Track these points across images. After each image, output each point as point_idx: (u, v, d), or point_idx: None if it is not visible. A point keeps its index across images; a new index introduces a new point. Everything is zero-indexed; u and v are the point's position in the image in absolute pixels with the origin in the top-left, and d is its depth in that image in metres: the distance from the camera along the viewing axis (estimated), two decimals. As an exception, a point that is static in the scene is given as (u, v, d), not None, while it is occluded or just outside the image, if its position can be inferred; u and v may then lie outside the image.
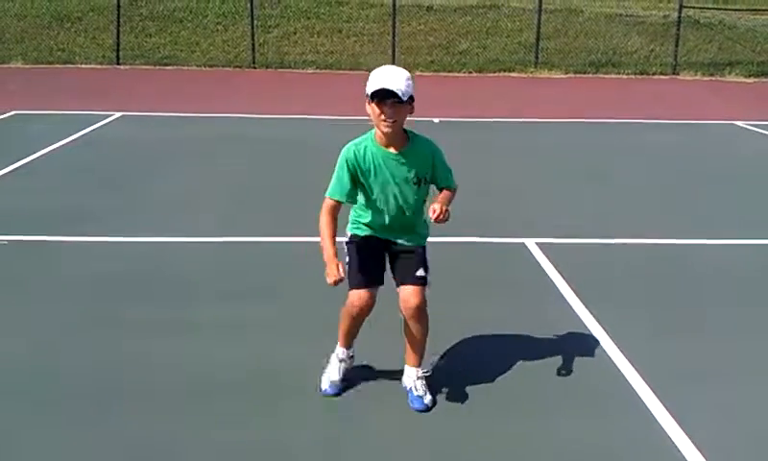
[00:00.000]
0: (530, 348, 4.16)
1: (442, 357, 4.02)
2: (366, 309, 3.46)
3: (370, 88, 3.29)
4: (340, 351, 3.67)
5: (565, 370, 3.93)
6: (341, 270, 3.26)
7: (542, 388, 3.78)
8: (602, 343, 4.23)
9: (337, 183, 3.42)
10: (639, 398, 3.68)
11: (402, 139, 3.43)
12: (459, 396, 3.67)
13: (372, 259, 3.50)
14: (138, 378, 3.78)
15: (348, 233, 3.60)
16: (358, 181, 3.43)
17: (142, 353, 4.02)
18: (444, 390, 3.71)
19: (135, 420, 3.42)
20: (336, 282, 3.25)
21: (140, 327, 4.34)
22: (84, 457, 3.17)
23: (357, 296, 3.44)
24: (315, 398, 3.63)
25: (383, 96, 3.24)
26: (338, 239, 3.43)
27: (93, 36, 18.40)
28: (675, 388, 3.75)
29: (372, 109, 3.32)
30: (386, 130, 3.32)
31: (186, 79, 15.92)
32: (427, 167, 3.48)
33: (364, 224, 3.54)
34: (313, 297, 4.73)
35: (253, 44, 17.93)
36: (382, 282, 3.53)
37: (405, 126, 3.45)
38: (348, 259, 3.49)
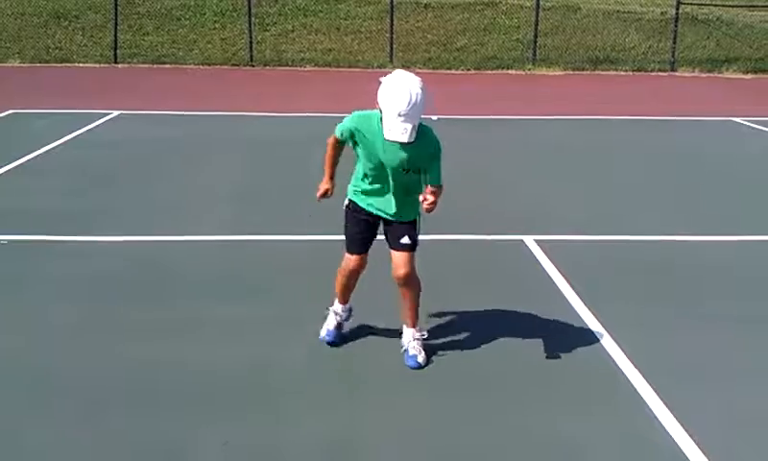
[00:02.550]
0: (529, 345, 4.16)
1: (440, 353, 4.02)
2: (358, 270, 3.94)
3: (384, 112, 3.43)
4: (337, 307, 4.10)
5: (564, 366, 3.94)
6: (329, 193, 3.96)
7: (541, 385, 3.78)
8: (601, 339, 4.24)
9: (341, 128, 3.78)
10: (638, 393, 3.68)
11: None
12: (457, 392, 3.68)
13: (365, 229, 3.87)
14: (138, 378, 3.78)
15: (347, 199, 3.93)
16: (356, 145, 3.75)
17: (141, 353, 4.02)
18: (443, 386, 3.72)
19: (136, 419, 3.42)
20: (320, 197, 3.95)
21: (139, 326, 4.34)
22: (85, 457, 3.17)
23: (351, 260, 3.91)
24: (315, 397, 3.63)
25: None
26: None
27: (91, 35, 18.37)
28: (674, 384, 3.76)
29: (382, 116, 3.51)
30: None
31: (184, 77, 15.90)
32: (423, 161, 3.66)
33: (361, 192, 3.86)
34: (313, 295, 4.74)
35: (251, 42, 17.91)
36: (371, 243, 3.93)
37: None
38: (345, 224, 3.92)
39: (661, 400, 3.61)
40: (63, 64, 17.00)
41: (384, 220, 3.86)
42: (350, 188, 3.93)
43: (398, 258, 3.79)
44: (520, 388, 3.75)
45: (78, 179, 7.59)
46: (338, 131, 3.81)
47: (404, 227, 3.82)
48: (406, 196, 3.77)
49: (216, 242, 5.83)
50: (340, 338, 4.10)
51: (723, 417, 3.52)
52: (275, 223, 6.30)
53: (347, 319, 4.15)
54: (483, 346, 4.16)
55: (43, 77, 15.41)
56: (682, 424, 3.40)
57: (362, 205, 3.85)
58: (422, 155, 3.62)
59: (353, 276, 3.96)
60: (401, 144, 3.50)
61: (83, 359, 3.96)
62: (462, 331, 4.30)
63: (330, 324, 4.10)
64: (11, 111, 11.15)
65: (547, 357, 4.04)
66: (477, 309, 4.62)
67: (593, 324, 4.43)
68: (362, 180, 3.83)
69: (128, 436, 3.29)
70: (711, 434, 3.35)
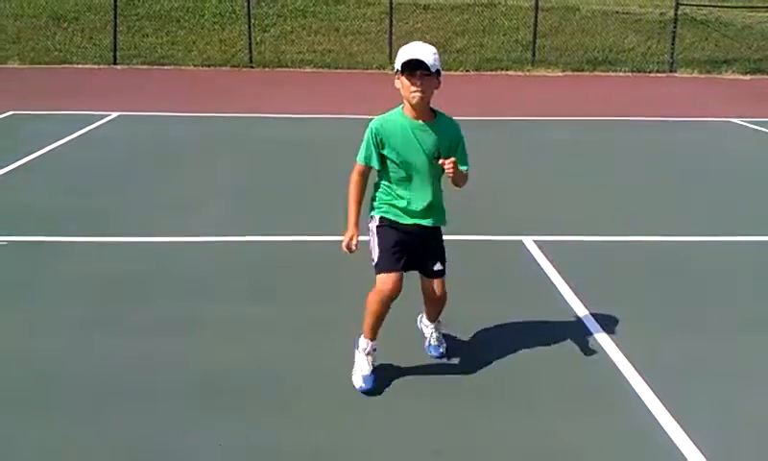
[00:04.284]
0: (527, 345, 4.17)
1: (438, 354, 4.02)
2: (395, 293, 3.55)
3: (399, 61, 3.44)
4: (364, 343, 3.71)
5: (563, 367, 3.95)
6: (354, 243, 3.55)
7: (540, 386, 3.79)
8: (600, 340, 4.25)
9: (364, 150, 3.58)
10: (637, 395, 3.69)
11: (430, 114, 3.60)
12: (456, 393, 3.68)
13: (400, 245, 3.59)
14: (140, 378, 3.78)
15: (376, 217, 3.66)
16: (383, 150, 3.54)
17: (144, 353, 4.03)
18: (442, 387, 3.73)
19: (137, 420, 3.42)
20: (348, 249, 3.55)
21: (141, 326, 4.34)
22: (87, 457, 3.18)
23: (386, 279, 3.54)
24: (315, 397, 3.64)
25: (413, 67, 3.40)
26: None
27: (90, 36, 18.39)
28: (673, 385, 3.76)
29: (401, 82, 3.47)
30: (415, 100, 3.46)
31: (183, 79, 15.91)
32: (449, 144, 3.60)
33: (389, 204, 3.62)
34: (314, 296, 4.75)
35: (250, 43, 17.92)
36: (408, 268, 3.67)
37: None
38: (377, 242, 3.60)
39: (660, 400, 3.61)
40: (63, 66, 17.01)
41: (415, 235, 3.61)
42: (377, 205, 3.66)
43: (434, 285, 3.74)
44: (518, 388, 3.76)
45: (78, 180, 7.60)
46: (360, 157, 3.58)
47: (437, 247, 3.70)
48: (436, 194, 3.61)
49: (218, 243, 5.84)
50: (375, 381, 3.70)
51: (722, 417, 3.52)
52: (276, 223, 6.31)
53: (374, 358, 3.74)
54: (480, 346, 4.17)
55: (43, 78, 15.42)
56: (680, 425, 3.41)
57: (397, 219, 3.61)
58: (449, 135, 3.59)
59: (389, 301, 3.57)
60: (427, 125, 3.52)
61: (84, 360, 3.96)
62: (459, 332, 4.30)
63: (365, 369, 3.69)
64: (10, 113, 11.16)
65: (545, 358, 4.04)
66: (475, 310, 4.62)
67: (592, 324, 4.43)
68: (391, 191, 3.60)
69: (128, 436, 3.30)
70: (710, 434, 3.35)
